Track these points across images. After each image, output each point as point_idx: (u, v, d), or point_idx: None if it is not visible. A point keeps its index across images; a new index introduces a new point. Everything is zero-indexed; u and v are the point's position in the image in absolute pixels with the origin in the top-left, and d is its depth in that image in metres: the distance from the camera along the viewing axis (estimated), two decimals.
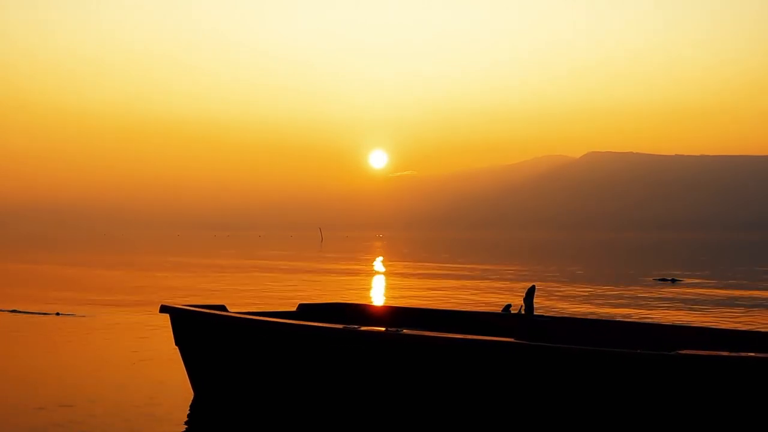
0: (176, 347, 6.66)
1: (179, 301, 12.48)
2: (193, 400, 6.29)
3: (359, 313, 7.43)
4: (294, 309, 7.35)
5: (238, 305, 11.37)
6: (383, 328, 5.46)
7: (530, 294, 6.66)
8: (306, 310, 7.31)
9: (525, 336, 6.53)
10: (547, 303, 14.64)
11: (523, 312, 6.66)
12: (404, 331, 5.26)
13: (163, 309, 6.58)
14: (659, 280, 21.99)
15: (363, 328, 5.41)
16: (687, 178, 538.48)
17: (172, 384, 6.82)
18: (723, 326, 10.46)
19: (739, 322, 12.10)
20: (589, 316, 10.64)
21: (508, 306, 6.77)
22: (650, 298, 16.52)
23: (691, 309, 14.12)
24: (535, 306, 6.70)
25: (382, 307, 7.75)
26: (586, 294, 17.47)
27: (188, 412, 5.96)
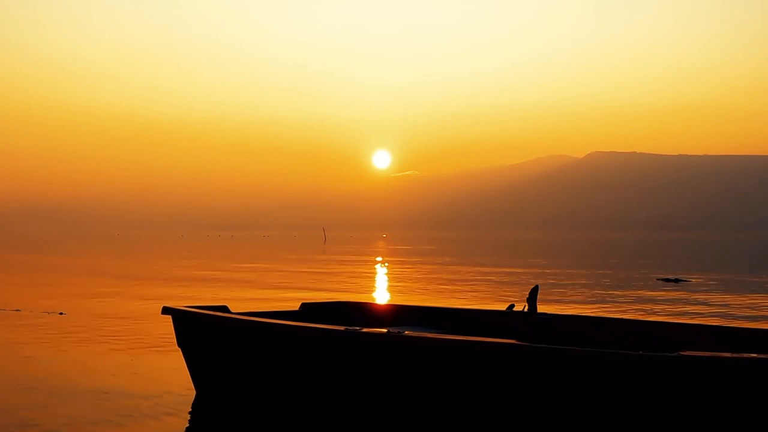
0: (179, 348, 6.65)
1: (182, 301, 12.48)
2: (196, 401, 6.28)
3: (362, 311, 7.42)
4: (297, 308, 7.34)
5: (241, 305, 11.36)
6: (385, 330, 5.44)
7: (533, 294, 6.64)
8: (309, 310, 7.30)
9: (528, 334, 6.51)
10: (550, 303, 14.62)
11: (526, 312, 6.65)
12: (406, 332, 5.24)
13: (165, 311, 6.58)
14: (663, 279, 21.94)
15: (365, 330, 5.40)
16: (690, 177, 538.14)
17: (175, 385, 6.81)
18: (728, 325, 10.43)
19: (745, 322, 12.07)
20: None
21: (511, 306, 6.76)
22: (654, 298, 16.49)
23: (695, 309, 14.09)
24: (538, 306, 6.68)
25: (384, 305, 7.74)
26: (589, 294, 17.45)
27: (191, 412, 5.95)
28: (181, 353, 6.71)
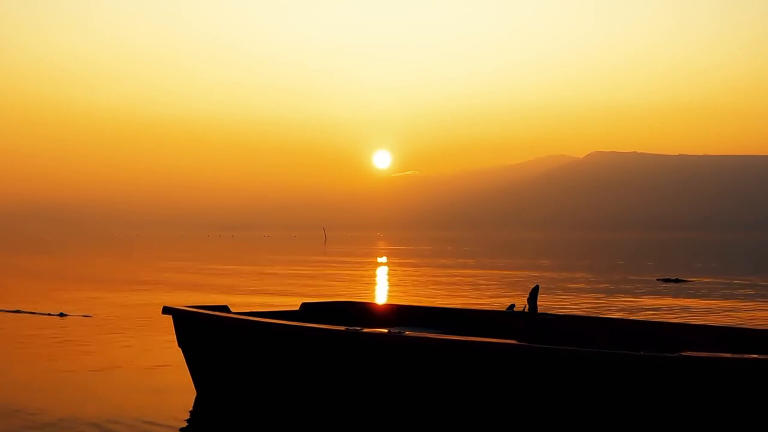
0: (179, 348, 6.65)
1: (182, 302, 12.48)
2: (196, 401, 6.28)
3: (362, 311, 7.41)
4: (297, 308, 7.34)
5: (241, 305, 11.37)
6: (386, 330, 5.44)
7: (534, 294, 6.64)
8: (309, 309, 7.30)
9: (529, 334, 6.51)
10: (551, 303, 14.62)
11: (526, 312, 6.65)
12: (407, 332, 5.24)
13: (166, 310, 6.57)
14: (663, 280, 21.94)
15: (366, 330, 5.40)
16: (690, 177, 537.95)
17: (176, 385, 6.81)
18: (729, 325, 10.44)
19: (745, 322, 12.07)
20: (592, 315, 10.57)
21: (512, 306, 6.76)
22: (654, 298, 16.49)
23: (695, 309, 14.09)
24: (538, 306, 6.68)
25: (385, 305, 7.74)
26: (590, 294, 17.44)
27: (191, 412, 5.95)
28: (181, 353, 6.71)
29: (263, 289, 18.19)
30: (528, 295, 6.66)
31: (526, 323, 6.57)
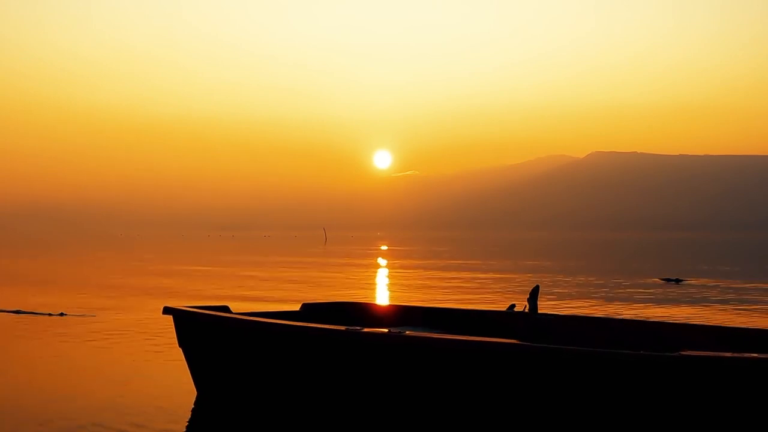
0: (180, 348, 6.66)
1: (183, 302, 12.47)
2: (197, 401, 6.28)
3: (363, 312, 7.42)
4: (298, 308, 7.35)
5: (242, 305, 11.38)
6: (386, 330, 5.44)
7: (534, 294, 6.65)
8: (310, 310, 7.30)
9: (529, 335, 6.51)
10: (552, 303, 14.62)
11: (527, 312, 6.65)
12: (407, 332, 5.24)
13: (167, 311, 6.58)
14: (664, 280, 21.93)
15: (366, 330, 5.40)
16: (690, 177, 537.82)
17: (176, 385, 6.82)
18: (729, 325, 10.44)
19: (746, 322, 12.07)
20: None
21: (512, 306, 6.76)
22: (654, 298, 16.49)
23: (695, 309, 14.09)
24: (538, 306, 6.68)
25: (385, 306, 7.74)
26: (590, 294, 17.44)
27: (192, 412, 5.95)
28: (182, 353, 6.72)
29: (264, 290, 18.19)
30: (528, 295, 6.66)
31: (526, 323, 6.57)
